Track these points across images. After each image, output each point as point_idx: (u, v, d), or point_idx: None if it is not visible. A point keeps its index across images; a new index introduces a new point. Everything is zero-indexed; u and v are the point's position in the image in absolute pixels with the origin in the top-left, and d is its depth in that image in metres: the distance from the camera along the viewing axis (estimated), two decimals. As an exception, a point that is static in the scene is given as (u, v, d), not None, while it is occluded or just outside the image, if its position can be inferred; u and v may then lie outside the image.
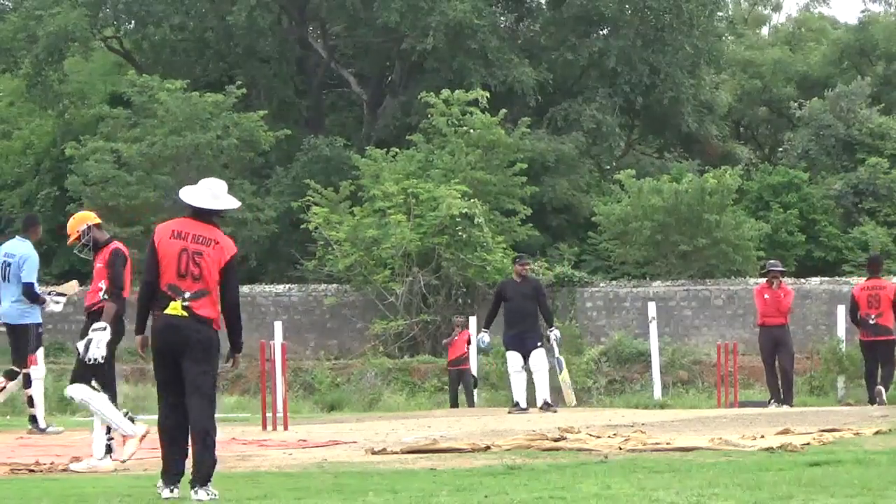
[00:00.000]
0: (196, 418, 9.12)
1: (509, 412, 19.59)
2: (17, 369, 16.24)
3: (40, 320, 16.42)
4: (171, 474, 9.14)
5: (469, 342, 25.40)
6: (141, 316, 9.41)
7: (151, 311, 9.28)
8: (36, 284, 16.34)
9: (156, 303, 9.23)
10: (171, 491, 9.07)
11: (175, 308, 9.13)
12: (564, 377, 21.15)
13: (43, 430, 16.44)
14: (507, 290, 20.27)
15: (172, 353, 9.17)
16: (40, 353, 16.60)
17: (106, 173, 34.62)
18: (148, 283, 9.29)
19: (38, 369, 16.49)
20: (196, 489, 8.99)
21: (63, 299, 16.49)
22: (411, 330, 31.66)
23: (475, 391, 25.42)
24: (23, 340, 16.26)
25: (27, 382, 16.36)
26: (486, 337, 20.66)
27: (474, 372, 25.59)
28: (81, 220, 12.19)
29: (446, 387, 28.56)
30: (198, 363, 9.16)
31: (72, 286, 16.80)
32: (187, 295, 9.14)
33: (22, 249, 16.29)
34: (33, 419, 16.48)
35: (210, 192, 9.42)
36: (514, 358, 20.02)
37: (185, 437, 9.19)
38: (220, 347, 9.41)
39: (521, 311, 20.08)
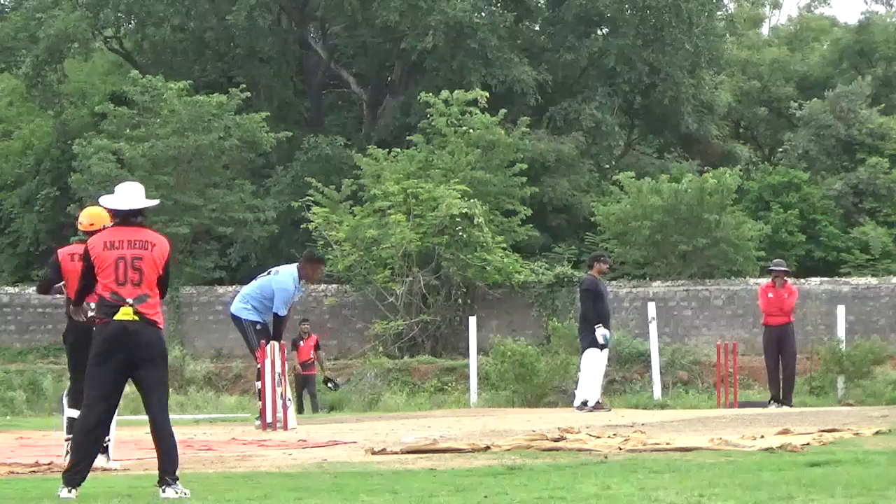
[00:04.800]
0: (165, 419, 9.36)
1: (592, 409, 19.38)
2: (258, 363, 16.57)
3: (258, 319, 16.53)
4: (78, 475, 9.24)
5: (317, 347, 25.42)
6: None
7: (96, 318, 9.43)
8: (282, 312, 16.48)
9: (100, 309, 9.37)
10: (70, 492, 9.16)
11: (126, 313, 9.26)
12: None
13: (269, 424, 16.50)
14: (602, 287, 20.01)
15: (124, 358, 9.28)
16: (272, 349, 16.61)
17: (109, 172, 34.58)
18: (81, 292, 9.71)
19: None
20: (164, 488, 9.18)
21: None
22: (411, 330, 31.66)
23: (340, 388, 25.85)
24: (242, 333, 16.71)
25: (257, 375, 16.61)
26: (607, 332, 19.63)
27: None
28: (103, 220, 11.87)
29: (447, 386, 28.62)
30: (157, 367, 9.36)
31: None
32: (131, 301, 9.27)
33: (282, 277, 16.56)
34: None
35: (130, 196, 9.51)
36: (604, 357, 19.95)
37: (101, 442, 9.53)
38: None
39: (609, 309, 20.11)
